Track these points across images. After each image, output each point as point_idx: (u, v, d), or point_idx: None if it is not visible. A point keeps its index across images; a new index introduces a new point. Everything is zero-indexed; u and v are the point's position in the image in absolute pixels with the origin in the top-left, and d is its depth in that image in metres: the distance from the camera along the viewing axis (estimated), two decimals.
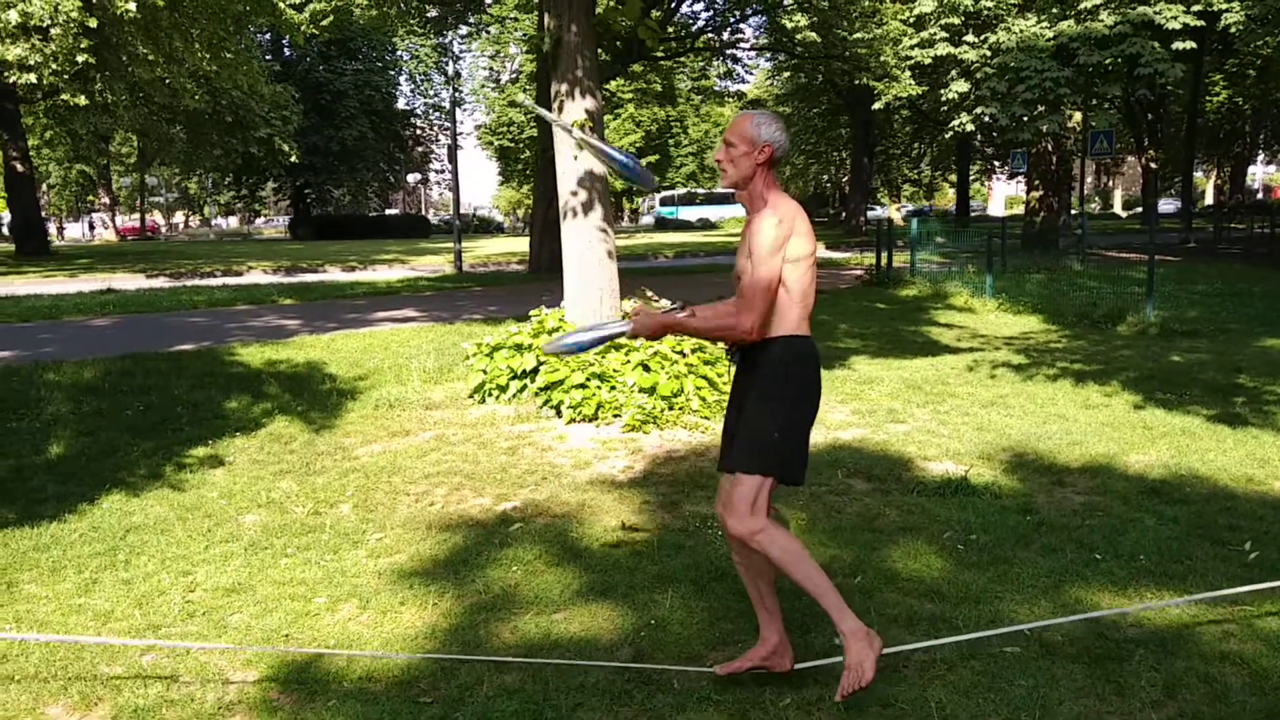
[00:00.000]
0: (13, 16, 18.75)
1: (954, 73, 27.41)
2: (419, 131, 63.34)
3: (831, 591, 3.38)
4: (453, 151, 28.67)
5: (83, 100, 22.88)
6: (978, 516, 5.32)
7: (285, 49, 53.09)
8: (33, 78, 19.96)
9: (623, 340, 3.67)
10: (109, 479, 6.42)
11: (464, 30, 36.08)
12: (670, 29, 22.53)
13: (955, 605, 4.20)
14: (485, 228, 69.54)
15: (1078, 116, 28.56)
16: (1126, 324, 12.78)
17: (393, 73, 57.97)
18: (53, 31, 19.42)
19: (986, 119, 27.05)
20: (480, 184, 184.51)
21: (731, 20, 25.01)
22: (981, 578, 4.50)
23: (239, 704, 3.54)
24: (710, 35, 25.56)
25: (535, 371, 8.23)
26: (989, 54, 26.29)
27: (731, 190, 3.54)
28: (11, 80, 21.29)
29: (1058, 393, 8.68)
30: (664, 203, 65.82)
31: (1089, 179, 62.95)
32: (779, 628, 3.57)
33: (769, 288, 3.31)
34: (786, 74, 43.28)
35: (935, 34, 27.20)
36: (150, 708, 3.51)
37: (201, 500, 6.01)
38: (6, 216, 44.91)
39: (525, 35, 39.64)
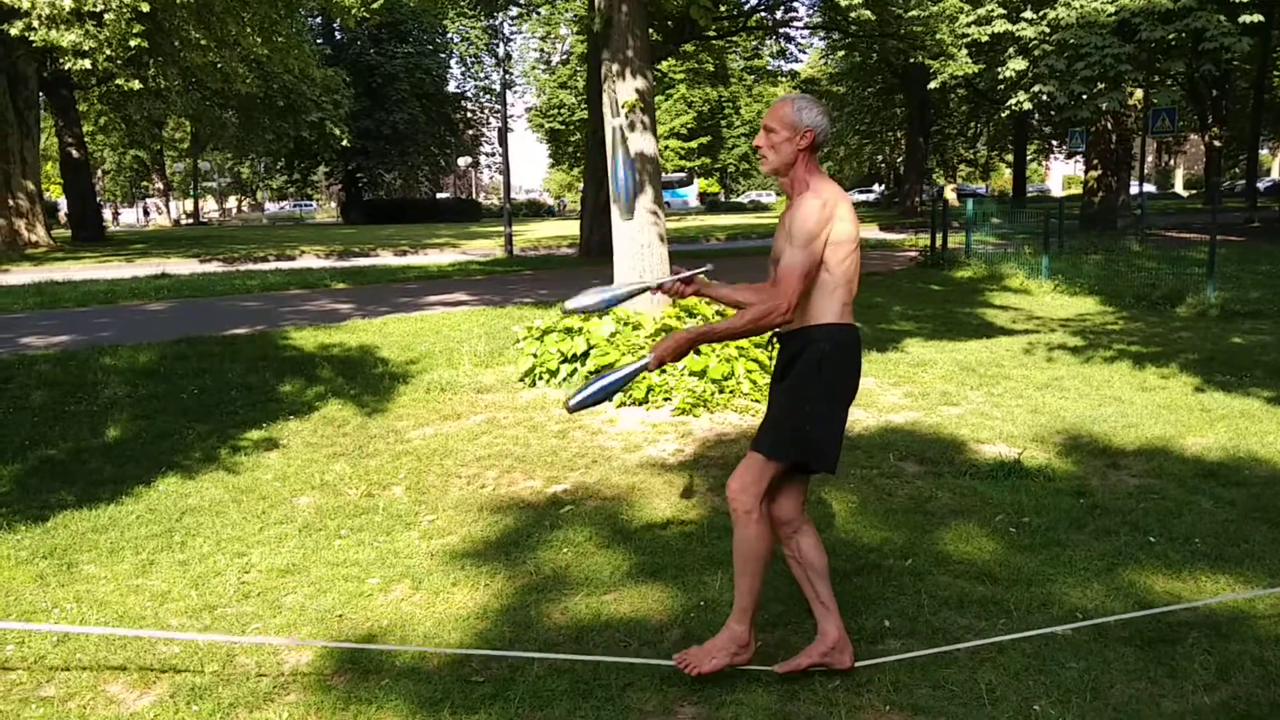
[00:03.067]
0: (66, 2, 18.96)
1: (1011, 50, 26.99)
2: (469, 114, 63.41)
3: (752, 607, 3.45)
4: (503, 134, 28.73)
5: (136, 85, 23.13)
6: (1031, 499, 5.27)
7: (336, 32, 53.39)
8: (87, 64, 20.17)
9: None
10: (165, 461, 6.53)
11: (514, 11, 36.05)
12: (722, 8, 22.36)
13: (1007, 588, 4.16)
14: (535, 211, 69.68)
15: (1139, 94, 28.04)
16: (1186, 305, 12.56)
17: (443, 55, 57.99)
18: (106, 17, 19.61)
19: (1044, 97, 26.64)
20: (531, 167, 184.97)
21: None
22: (1034, 560, 4.45)
23: (294, 683, 3.59)
24: (763, 14, 25.33)
25: (585, 355, 8.24)
26: (1048, 30, 25.86)
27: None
28: (66, 66, 21.56)
29: (1114, 375, 8.56)
30: None
31: (1150, 158, 61.82)
32: (837, 622, 3.52)
33: (807, 271, 3.26)
34: (841, 53, 42.84)
35: (993, 10, 26.80)
36: (207, 687, 3.56)
37: (256, 482, 6.09)
38: (62, 202, 45.68)
39: (576, 16, 39.56)
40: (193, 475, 6.24)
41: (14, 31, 19.79)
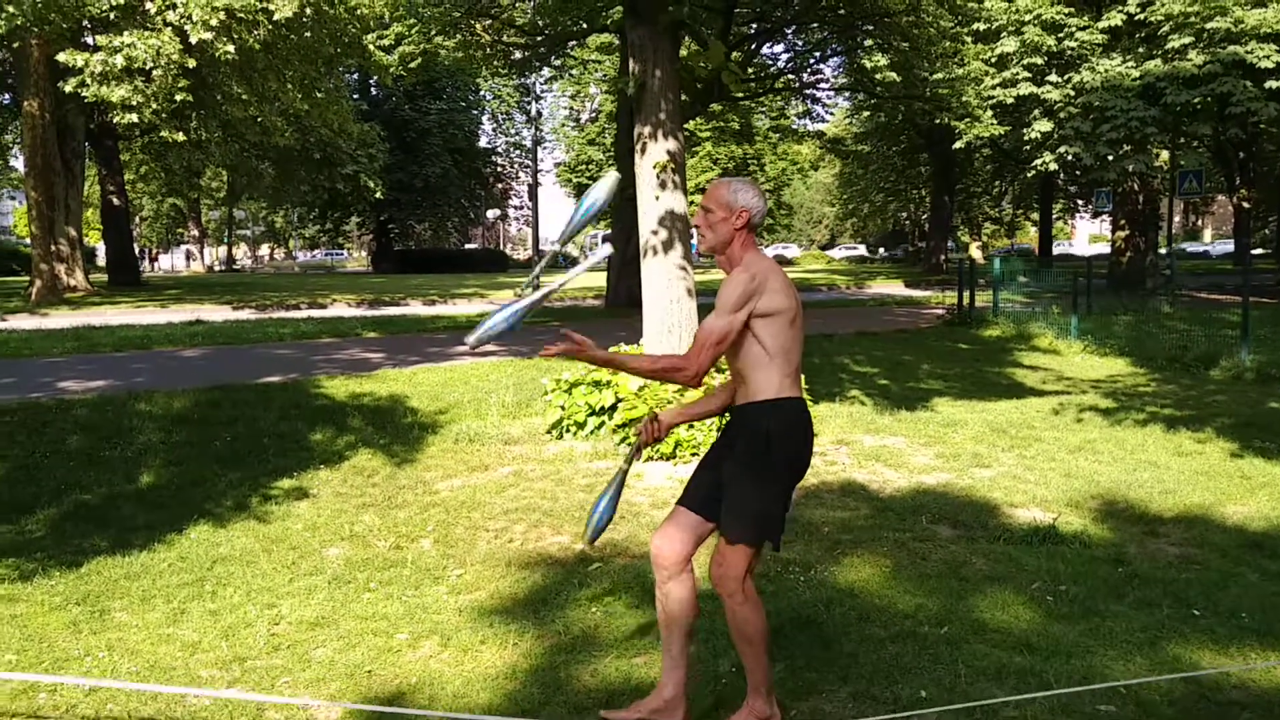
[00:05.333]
0: (119, 60, 19.50)
1: (1037, 112, 27.07)
2: (500, 169, 64.05)
3: (765, 680, 3.46)
4: (533, 190, 29.01)
5: (180, 137, 23.57)
6: (1067, 566, 5.19)
7: (372, 88, 54.16)
8: (134, 117, 20.65)
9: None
10: (197, 509, 6.55)
11: (546, 72, 36.50)
12: (750, 70, 22.53)
13: (1046, 659, 4.08)
14: (555, 262, 69.95)
15: (1165, 155, 28.04)
16: (1220, 368, 12.45)
17: (475, 112, 58.74)
18: (154, 73, 20.09)
19: (1070, 158, 26.66)
20: (558, 220, 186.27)
21: (811, 61, 24.91)
22: (1073, 631, 4.38)
23: None
24: (790, 76, 25.51)
25: (613, 408, 8.24)
26: (1073, 94, 25.94)
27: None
28: (114, 119, 22.04)
29: (1148, 439, 8.47)
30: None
31: (1177, 217, 61.65)
32: (679, 681, 3.57)
33: (721, 339, 3.32)
34: (866, 113, 43.08)
35: (1018, 74, 26.92)
36: None
37: (286, 532, 6.09)
38: (100, 247, 46.38)
39: (605, 76, 39.95)
40: (224, 524, 6.25)
41: (68, 88, 20.31)
